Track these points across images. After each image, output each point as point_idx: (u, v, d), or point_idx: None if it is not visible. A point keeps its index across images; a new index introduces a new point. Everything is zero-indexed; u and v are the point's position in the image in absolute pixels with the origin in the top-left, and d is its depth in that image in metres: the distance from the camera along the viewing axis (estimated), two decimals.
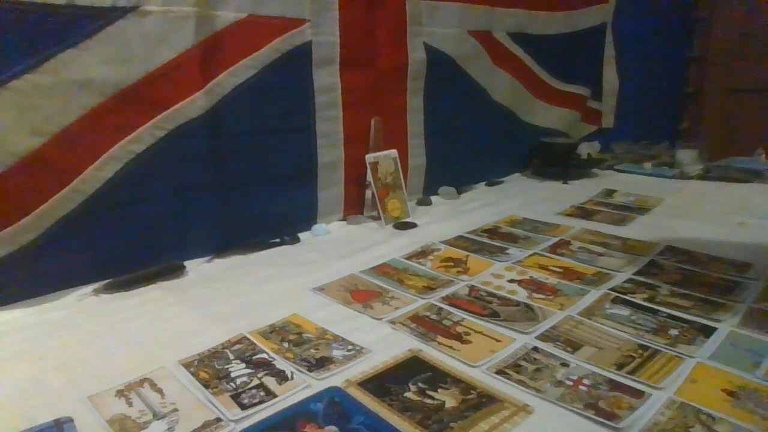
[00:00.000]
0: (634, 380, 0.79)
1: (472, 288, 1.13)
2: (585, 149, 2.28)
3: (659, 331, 0.93)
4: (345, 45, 1.49)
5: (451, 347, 0.89)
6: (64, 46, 1.03)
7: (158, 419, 0.71)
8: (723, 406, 0.73)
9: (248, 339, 0.92)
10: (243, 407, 0.73)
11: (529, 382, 0.79)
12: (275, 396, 0.76)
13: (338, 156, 1.56)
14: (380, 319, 0.99)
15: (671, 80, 2.87)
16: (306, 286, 1.14)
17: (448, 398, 0.75)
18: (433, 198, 1.84)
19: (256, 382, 0.79)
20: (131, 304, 1.08)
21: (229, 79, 1.29)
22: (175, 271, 1.21)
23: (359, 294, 1.11)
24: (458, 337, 0.92)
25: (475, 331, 0.94)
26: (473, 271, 1.22)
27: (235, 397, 0.76)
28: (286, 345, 0.90)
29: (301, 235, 1.48)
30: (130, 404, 0.75)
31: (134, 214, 1.19)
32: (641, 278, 1.16)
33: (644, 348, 0.88)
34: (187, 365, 0.84)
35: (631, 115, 2.57)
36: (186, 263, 1.25)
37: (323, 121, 1.50)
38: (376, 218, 1.59)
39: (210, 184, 1.30)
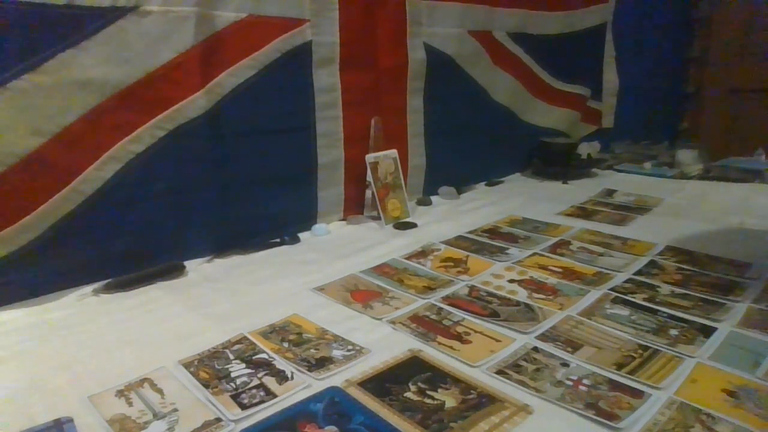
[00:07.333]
0: (634, 380, 0.79)
1: (472, 288, 1.13)
2: (585, 149, 2.29)
3: (659, 331, 0.93)
4: (345, 45, 1.49)
5: (451, 347, 0.89)
6: (64, 46, 1.03)
7: (158, 419, 0.71)
8: (723, 406, 0.73)
9: (248, 339, 0.92)
10: (243, 407, 0.73)
11: (529, 382, 0.79)
12: (275, 396, 0.76)
13: (338, 156, 1.56)
14: (380, 319, 0.99)
15: (671, 80, 2.87)
16: (306, 286, 1.14)
17: (448, 398, 0.75)
18: (433, 198, 1.84)
19: (256, 382, 0.79)
20: (131, 304, 1.08)
21: (229, 79, 1.28)
22: (175, 271, 1.21)
23: (359, 294, 1.11)
24: (458, 337, 0.92)
25: (475, 331, 0.94)
26: (473, 271, 1.22)
27: (235, 397, 0.76)
28: (286, 345, 0.90)
29: (301, 235, 1.48)
30: (130, 404, 0.75)
31: (134, 214, 1.19)
32: (641, 278, 1.16)
33: (644, 348, 0.88)
34: (187, 365, 0.84)
35: (631, 115, 2.57)
36: (186, 263, 1.25)
37: (323, 121, 1.50)
38: (376, 218, 1.59)
39: (210, 184, 1.30)
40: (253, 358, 0.86)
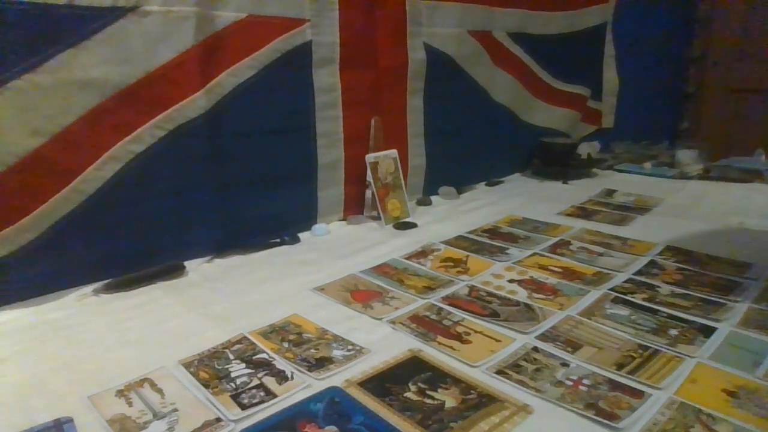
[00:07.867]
0: (634, 380, 0.79)
1: (472, 288, 1.13)
2: (585, 149, 2.28)
3: (659, 331, 0.93)
4: (345, 45, 1.49)
5: (451, 347, 0.89)
6: (64, 46, 1.03)
7: (158, 419, 0.71)
8: (723, 406, 0.73)
9: (248, 339, 0.92)
10: (243, 407, 0.73)
11: (529, 382, 0.79)
12: (275, 396, 0.76)
13: (338, 156, 1.56)
14: (380, 319, 0.99)
15: (671, 80, 2.87)
16: (306, 286, 1.14)
17: (448, 398, 0.75)
18: (433, 198, 1.84)
19: (256, 382, 0.79)
20: (131, 304, 1.08)
21: (229, 79, 1.28)
22: (175, 271, 1.21)
23: (359, 294, 1.11)
24: (458, 337, 0.92)
25: (475, 331, 0.94)
26: (473, 271, 1.22)
27: (235, 397, 0.76)
28: (286, 345, 0.90)
29: (301, 235, 1.48)
30: (130, 404, 0.75)
31: (134, 214, 1.19)
32: (641, 278, 1.16)
33: (644, 348, 0.88)
34: (187, 365, 0.84)
35: (631, 115, 2.57)
36: (186, 263, 1.25)
37: (323, 121, 1.50)
38: (376, 218, 1.59)
39: (210, 184, 1.30)
40: (253, 358, 0.86)
